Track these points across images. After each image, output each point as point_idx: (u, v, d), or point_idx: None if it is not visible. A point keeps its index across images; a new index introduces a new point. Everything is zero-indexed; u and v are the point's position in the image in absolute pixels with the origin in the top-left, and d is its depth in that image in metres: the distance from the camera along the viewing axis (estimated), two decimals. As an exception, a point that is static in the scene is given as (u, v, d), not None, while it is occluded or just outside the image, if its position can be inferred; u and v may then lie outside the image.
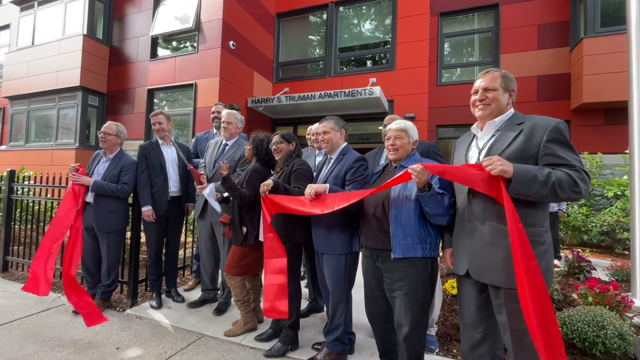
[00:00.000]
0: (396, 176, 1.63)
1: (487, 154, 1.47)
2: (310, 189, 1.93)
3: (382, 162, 2.28)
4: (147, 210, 2.98)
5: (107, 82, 8.35)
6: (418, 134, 1.94)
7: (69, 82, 7.83)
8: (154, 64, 7.78)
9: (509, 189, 1.31)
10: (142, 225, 3.17)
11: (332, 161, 2.24)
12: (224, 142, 3.08)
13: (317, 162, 2.77)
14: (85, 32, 7.90)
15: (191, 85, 7.17)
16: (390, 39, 8.01)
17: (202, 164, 3.11)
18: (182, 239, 3.59)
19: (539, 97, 7.77)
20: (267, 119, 8.68)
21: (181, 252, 3.58)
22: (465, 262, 1.50)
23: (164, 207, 3.06)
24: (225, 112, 3.07)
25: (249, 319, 2.60)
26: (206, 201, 2.92)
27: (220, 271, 3.05)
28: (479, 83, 1.59)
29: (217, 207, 2.67)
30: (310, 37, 9.18)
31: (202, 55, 7.15)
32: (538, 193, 1.29)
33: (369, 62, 8.40)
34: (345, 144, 2.29)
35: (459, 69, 8.74)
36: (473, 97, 1.61)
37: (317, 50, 8.98)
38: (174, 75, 7.45)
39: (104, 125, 2.98)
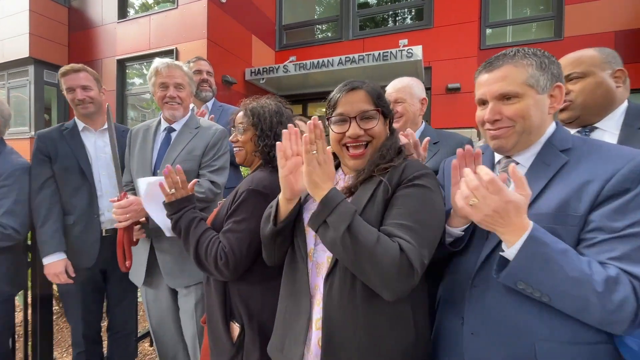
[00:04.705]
0: None
1: None
2: None
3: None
4: (53, 264, 1.48)
5: (68, 52, 6.63)
6: None
7: (16, 54, 6.12)
8: (124, 26, 6.06)
9: None
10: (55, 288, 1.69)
11: None
12: (163, 125, 1.57)
13: None
14: (32, -13, 6.14)
15: (171, 51, 5.50)
16: (426, -12, 6.26)
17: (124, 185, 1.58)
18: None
19: (618, 60, 6.08)
20: (270, 95, 7.04)
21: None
22: None
23: (93, 253, 1.58)
24: (164, 63, 1.50)
25: None
26: (152, 254, 1.45)
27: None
28: None
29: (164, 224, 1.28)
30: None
31: (184, 11, 5.44)
32: None
33: (398, 20, 6.67)
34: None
35: (509, 27, 6.97)
36: None
37: (330, 8, 7.21)
38: (149, 40, 5.76)
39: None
